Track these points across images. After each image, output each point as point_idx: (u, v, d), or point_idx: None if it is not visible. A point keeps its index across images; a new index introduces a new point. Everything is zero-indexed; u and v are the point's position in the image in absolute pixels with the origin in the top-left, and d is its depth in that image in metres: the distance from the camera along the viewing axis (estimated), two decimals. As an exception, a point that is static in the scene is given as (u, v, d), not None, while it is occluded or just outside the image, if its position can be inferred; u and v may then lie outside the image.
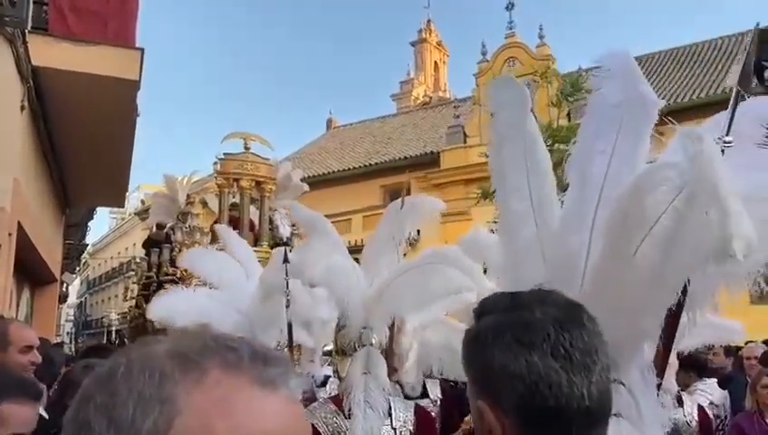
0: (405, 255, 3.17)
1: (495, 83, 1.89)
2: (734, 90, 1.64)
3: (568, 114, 14.00)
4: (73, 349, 27.41)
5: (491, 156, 1.86)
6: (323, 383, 4.41)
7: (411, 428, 2.65)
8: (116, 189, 9.50)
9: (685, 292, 1.48)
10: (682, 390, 3.55)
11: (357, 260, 3.09)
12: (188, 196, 9.52)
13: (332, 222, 3.36)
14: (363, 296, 2.76)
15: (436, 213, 3.30)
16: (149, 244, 9.57)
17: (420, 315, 3.08)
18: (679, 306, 1.52)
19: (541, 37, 20.42)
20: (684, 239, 1.40)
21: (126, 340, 9.98)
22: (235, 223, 9.20)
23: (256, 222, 9.66)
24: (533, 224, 1.73)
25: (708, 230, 1.34)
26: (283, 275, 3.18)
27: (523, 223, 1.74)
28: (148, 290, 8.69)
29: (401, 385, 3.13)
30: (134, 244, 34.23)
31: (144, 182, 36.35)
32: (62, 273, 11.90)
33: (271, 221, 9.58)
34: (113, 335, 27.01)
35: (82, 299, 48.73)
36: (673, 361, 3.20)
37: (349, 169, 23.92)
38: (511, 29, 20.92)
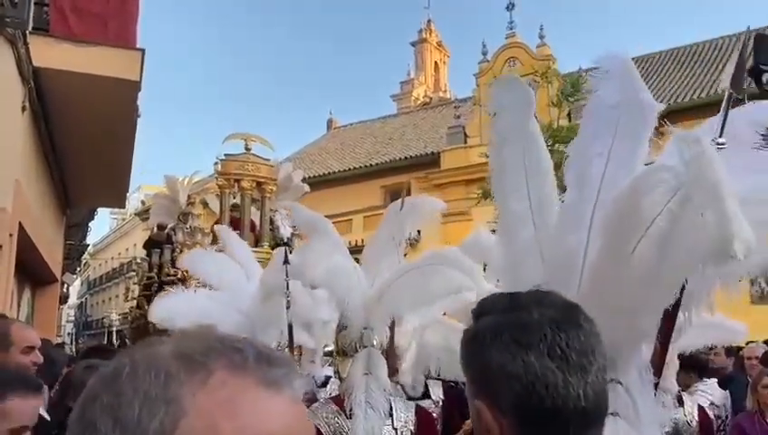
0: (405, 255, 3.17)
1: (499, 83, 1.90)
2: (727, 93, 1.66)
3: (568, 114, 13.99)
4: (74, 349, 27.43)
5: (491, 156, 1.87)
6: (324, 384, 4.41)
7: (412, 428, 2.66)
8: (117, 190, 9.50)
9: (681, 292, 1.49)
10: (682, 390, 3.55)
11: (357, 260, 3.10)
12: (189, 196, 9.54)
13: (333, 222, 3.36)
14: (364, 297, 2.77)
15: (436, 213, 3.30)
16: (150, 244, 9.60)
17: (420, 315, 3.09)
18: (676, 306, 1.54)
19: (541, 37, 20.42)
20: (679, 240, 1.42)
21: (127, 340, 9.98)
22: (235, 224, 9.23)
23: (257, 223, 9.68)
24: (532, 224, 1.74)
25: (703, 231, 1.36)
26: (284, 276, 3.19)
27: (522, 224, 1.76)
28: (150, 291, 8.71)
29: (403, 386, 3.14)
30: (135, 244, 34.23)
31: (144, 183, 36.41)
32: (63, 273, 11.91)
33: (272, 222, 9.60)
34: (114, 336, 27.00)
35: (83, 300, 48.73)
36: (674, 361, 3.21)
37: (349, 169, 23.92)
38: (511, 29, 20.92)
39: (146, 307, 8.66)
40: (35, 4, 5.82)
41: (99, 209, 14.55)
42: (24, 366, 2.56)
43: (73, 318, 48.09)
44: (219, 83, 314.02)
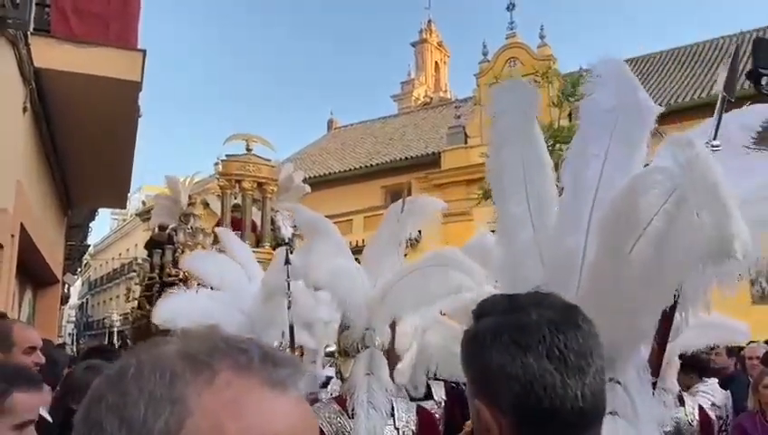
0: (406, 255, 3.17)
1: (504, 85, 1.91)
2: (720, 96, 1.67)
3: (569, 115, 14.00)
4: (75, 350, 27.43)
5: (490, 156, 1.88)
6: (325, 384, 4.42)
7: (414, 428, 2.67)
8: (118, 190, 9.50)
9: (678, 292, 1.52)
10: (683, 390, 3.55)
11: (358, 261, 3.10)
12: (190, 197, 9.55)
13: (333, 223, 3.36)
14: (366, 298, 2.78)
15: (437, 213, 3.30)
16: (152, 245, 9.60)
17: (420, 315, 3.10)
18: (673, 306, 1.55)
19: (542, 37, 20.41)
20: (676, 240, 1.44)
21: (128, 341, 9.99)
22: (237, 224, 9.24)
23: (258, 223, 9.69)
24: (531, 225, 1.76)
25: (700, 232, 1.37)
26: (285, 277, 3.19)
27: (521, 224, 1.77)
28: (151, 291, 8.73)
29: (405, 386, 3.15)
30: (135, 245, 34.25)
31: (145, 183, 36.44)
32: (64, 274, 11.92)
33: (273, 222, 9.61)
34: (115, 336, 27.02)
35: (84, 300, 48.75)
36: (675, 361, 3.21)
37: (350, 169, 23.93)
38: (512, 29, 20.92)
39: (147, 308, 8.68)
40: (37, 4, 5.82)
41: (100, 210, 14.57)
42: (25, 367, 2.56)
43: (74, 319, 48.09)
44: (219, 83, 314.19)
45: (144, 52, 6.03)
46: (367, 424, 2.50)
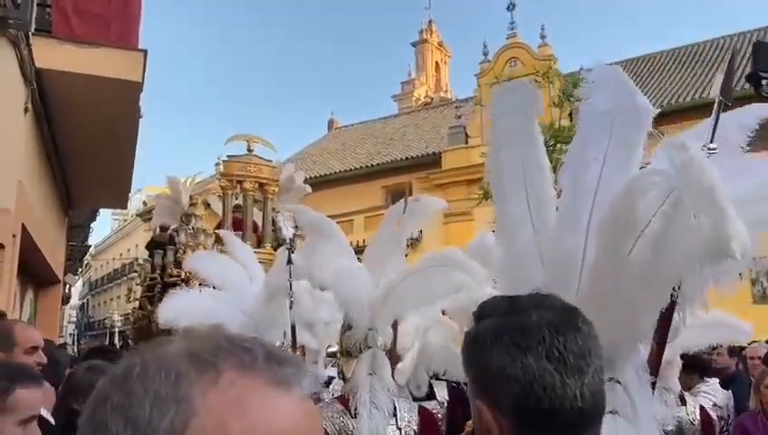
0: (406, 256, 3.18)
1: (506, 87, 1.92)
2: (717, 100, 1.69)
3: (570, 114, 13.99)
4: (76, 350, 27.44)
5: (489, 156, 1.89)
6: (327, 384, 4.42)
7: (415, 428, 2.69)
8: (119, 191, 9.51)
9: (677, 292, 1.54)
10: (684, 390, 3.55)
11: (359, 261, 3.10)
12: (191, 197, 9.55)
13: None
14: (370, 298, 2.78)
15: (438, 213, 3.31)
16: (153, 245, 9.61)
17: (421, 315, 3.10)
18: (671, 307, 1.57)
19: (542, 37, 20.39)
20: (673, 241, 1.46)
21: (129, 341, 9.99)
22: (238, 224, 9.25)
23: (259, 224, 9.69)
24: (531, 226, 1.77)
25: (697, 233, 1.40)
26: (287, 277, 3.20)
27: (521, 225, 1.78)
28: (152, 292, 8.74)
29: (408, 387, 3.15)
30: (136, 245, 34.29)
31: (146, 183, 36.46)
32: (65, 274, 11.93)
33: (274, 223, 9.61)
34: (116, 337, 27.03)
35: (84, 301, 48.78)
36: (676, 360, 3.21)
37: (350, 169, 23.92)
38: (512, 29, 20.89)
39: (148, 308, 8.69)
40: (38, 5, 5.83)
41: (100, 210, 14.57)
42: (26, 365, 2.57)
43: (75, 319, 48.14)
44: (220, 84, 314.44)
45: (145, 52, 6.03)
46: (369, 424, 2.51)
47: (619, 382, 1.51)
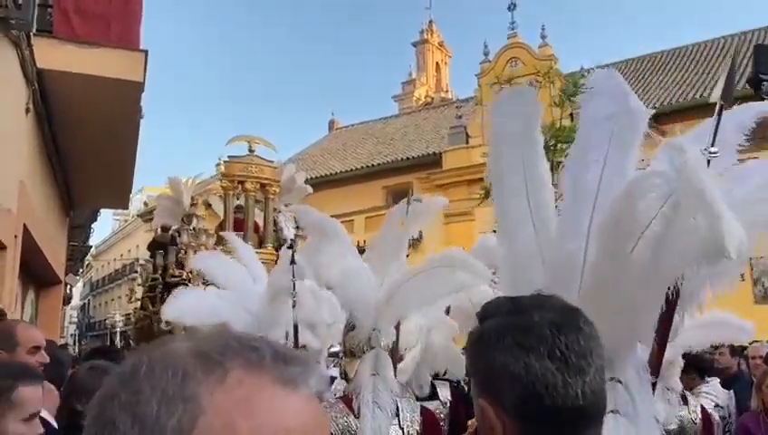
0: (407, 256, 3.19)
1: (506, 92, 1.96)
2: (718, 103, 1.71)
3: (570, 115, 13.98)
4: (77, 351, 27.45)
5: (490, 160, 1.92)
6: (328, 384, 4.42)
7: (418, 428, 2.70)
8: (120, 191, 9.52)
9: (678, 293, 1.55)
10: (686, 390, 3.55)
11: (361, 261, 3.11)
12: (192, 198, 9.55)
13: (335, 223, 3.37)
14: (374, 299, 2.79)
15: (439, 212, 3.32)
16: (154, 246, 9.61)
17: (423, 314, 3.11)
18: (672, 307, 1.60)
19: (543, 37, 20.38)
20: (673, 242, 1.48)
21: (131, 342, 10.00)
22: (239, 225, 9.25)
23: (261, 224, 9.69)
24: (532, 228, 1.79)
25: (695, 233, 1.42)
26: (291, 277, 3.20)
27: (521, 227, 1.81)
28: (154, 292, 8.74)
29: (411, 387, 3.16)
30: (137, 246, 34.31)
31: (146, 183, 36.47)
32: (67, 274, 11.94)
33: (275, 223, 9.62)
34: (118, 337, 27.04)
35: (85, 301, 48.81)
36: (678, 360, 3.22)
37: (351, 170, 23.92)
38: (513, 29, 20.88)
39: (150, 308, 8.70)
40: (39, 5, 5.84)
41: (101, 211, 14.58)
42: (27, 364, 2.57)
43: (76, 319, 48.17)
44: (220, 84, 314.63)
45: (146, 52, 6.04)
46: (372, 424, 2.53)
47: (620, 382, 1.53)
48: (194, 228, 8.83)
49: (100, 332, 39.75)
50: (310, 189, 10.71)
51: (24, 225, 6.02)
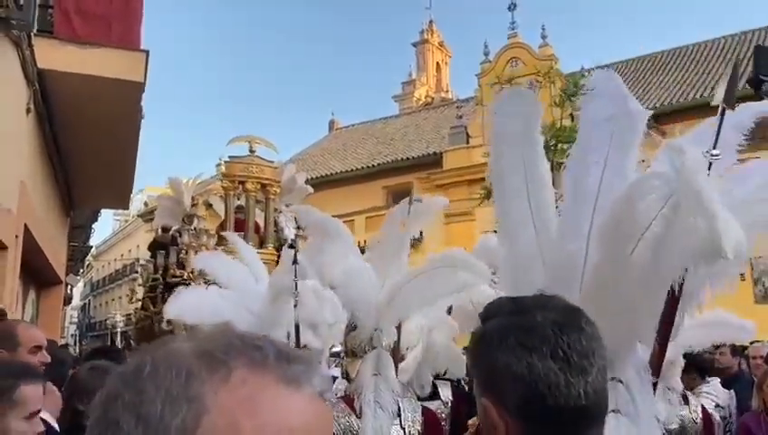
0: (408, 256, 3.19)
1: (505, 94, 1.99)
2: (720, 107, 1.73)
3: (571, 114, 13.98)
4: (78, 351, 27.45)
5: (491, 162, 1.93)
6: (330, 384, 4.42)
7: (419, 428, 2.71)
8: (120, 191, 9.52)
9: (680, 293, 1.58)
10: (686, 390, 3.55)
11: (362, 261, 3.11)
12: (192, 198, 9.56)
13: (336, 223, 3.36)
14: (376, 299, 2.80)
15: (439, 212, 3.32)
16: (155, 246, 9.62)
17: (424, 314, 3.11)
18: (674, 308, 1.61)
19: (543, 37, 20.36)
20: (673, 243, 1.50)
21: (132, 342, 10.00)
22: (240, 225, 9.26)
23: (261, 224, 9.70)
24: (533, 229, 1.81)
25: (695, 234, 1.43)
26: (293, 277, 3.21)
27: (522, 228, 1.82)
28: (155, 292, 8.74)
29: (413, 387, 3.17)
30: (138, 246, 34.31)
31: (146, 184, 36.46)
32: (67, 275, 11.95)
33: (276, 223, 9.61)
34: (119, 337, 27.03)
35: (86, 301, 48.81)
36: (679, 360, 3.22)
37: (351, 170, 23.92)
38: (513, 29, 20.87)
39: (151, 309, 8.70)
40: (40, 6, 5.84)
41: (102, 211, 14.58)
42: (27, 362, 2.58)
43: (77, 320, 48.17)
44: (220, 84, 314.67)
45: (147, 52, 6.04)
46: (374, 423, 2.54)
47: (621, 382, 1.54)
48: (195, 229, 8.83)
49: (101, 332, 39.75)
50: (310, 190, 10.71)
51: (25, 225, 6.02)
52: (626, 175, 1.69)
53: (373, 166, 23.33)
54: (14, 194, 5.58)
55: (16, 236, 5.75)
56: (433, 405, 3.30)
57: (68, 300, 16.77)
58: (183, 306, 3.82)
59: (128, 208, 13.62)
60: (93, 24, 5.96)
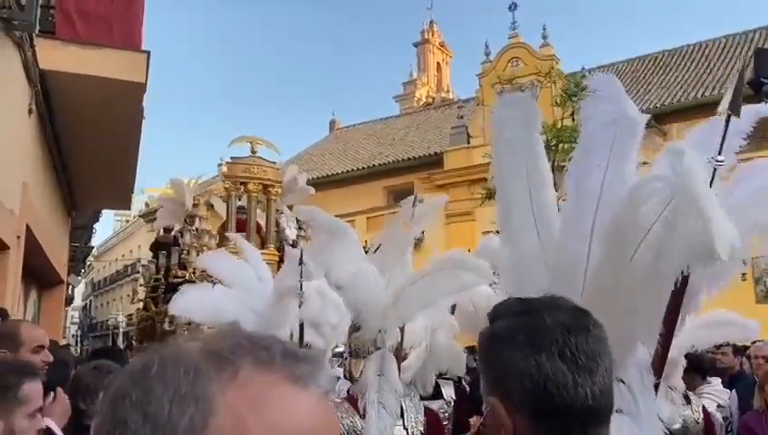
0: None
1: (505, 98, 1.99)
2: (725, 115, 1.74)
3: (572, 114, 13.98)
4: (78, 351, 27.47)
5: (494, 167, 1.95)
6: (332, 384, 4.42)
7: (422, 428, 2.72)
8: (121, 192, 9.53)
9: (682, 294, 1.60)
10: (687, 390, 3.56)
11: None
12: (194, 198, 9.55)
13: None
14: (382, 301, 2.81)
15: (440, 209, 3.32)
16: (157, 247, 9.63)
17: (430, 314, 3.12)
18: (676, 309, 1.63)
19: (544, 37, 20.36)
20: (674, 245, 1.52)
21: (134, 342, 10.00)
22: (241, 226, 9.26)
23: (263, 225, 9.70)
24: (536, 233, 1.83)
25: (694, 236, 1.46)
26: (299, 277, 3.21)
27: (525, 231, 1.84)
28: (156, 293, 8.75)
29: (416, 386, 3.18)
30: (139, 246, 34.33)
31: (147, 184, 36.47)
32: (69, 275, 11.95)
33: (277, 224, 9.62)
34: (121, 338, 27.05)
35: (87, 302, 48.84)
36: (681, 359, 3.22)
37: (352, 170, 23.92)
38: (514, 29, 20.88)
39: (153, 309, 8.71)
40: (41, 7, 5.84)
41: (103, 211, 14.58)
42: (27, 361, 2.58)
43: (78, 320, 48.19)
44: (220, 84, 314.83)
45: (148, 53, 6.05)
46: (378, 424, 2.55)
47: (622, 382, 1.55)
48: (196, 229, 8.83)
49: (102, 332, 39.80)
50: (312, 190, 10.71)
51: (27, 225, 6.03)
52: (627, 177, 1.71)
53: (374, 166, 23.33)
54: (16, 195, 5.59)
55: (18, 237, 5.76)
56: (436, 404, 3.31)
57: (69, 300, 16.77)
58: (188, 304, 3.82)
59: (129, 209, 13.61)
60: (95, 25, 5.96)
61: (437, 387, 3.73)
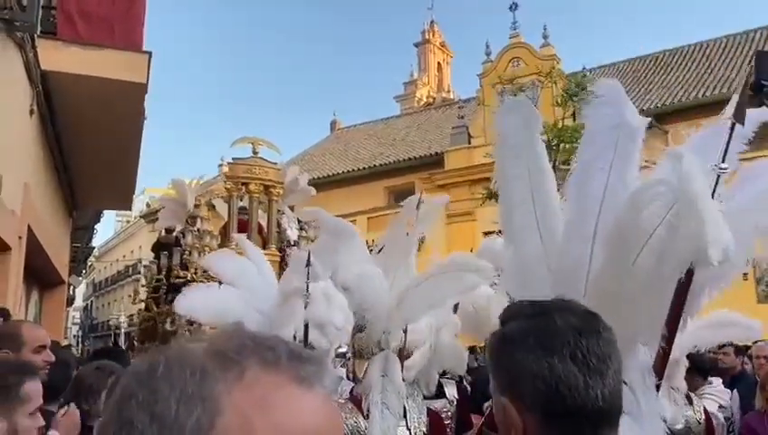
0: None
1: (506, 104, 2.03)
2: (730, 123, 1.76)
3: (573, 114, 13.98)
4: (80, 352, 27.48)
5: (496, 172, 1.96)
6: (334, 385, 4.42)
7: (425, 429, 2.73)
8: (123, 192, 9.54)
9: (687, 289, 1.60)
10: (689, 390, 3.56)
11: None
12: (195, 199, 9.55)
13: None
14: (387, 303, 2.82)
15: (441, 209, 3.33)
16: (159, 247, 9.62)
17: (432, 315, 3.13)
18: (678, 311, 1.64)
19: (545, 37, 20.36)
20: (675, 248, 1.54)
21: (135, 343, 10.00)
22: (243, 226, 9.25)
23: (264, 225, 9.69)
24: (538, 235, 1.84)
25: (693, 239, 1.48)
26: (306, 279, 3.21)
27: (528, 234, 1.86)
28: (158, 293, 8.74)
29: (419, 385, 3.19)
30: (140, 247, 34.34)
31: (148, 184, 36.51)
32: (70, 275, 11.96)
33: (279, 224, 9.61)
34: (123, 338, 27.03)
35: (88, 302, 48.87)
36: (683, 360, 3.22)
37: (353, 170, 23.93)
38: (515, 29, 20.88)
39: (154, 310, 8.70)
40: (43, 7, 5.85)
41: (104, 212, 14.60)
42: (27, 360, 2.59)
43: (79, 321, 48.22)
44: (220, 84, 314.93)
45: (150, 54, 6.05)
46: (381, 424, 2.56)
47: (624, 383, 1.55)
48: (198, 230, 8.82)
49: (103, 333, 39.79)
50: (313, 191, 10.70)
51: (29, 226, 6.04)
52: (630, 181, 1.73)
53: (375, 166, 23.34)
54: (18, 195, 5.60)
55: (20, 238, 5.77)
56: (438, 404, 3.31)
57: (70, 301, 16.79)
58: (193, 303, 3.81)
59: (130, 209, 13.62)
60: (96, 26, 5.97)
61: (440, 386, 3.74)
